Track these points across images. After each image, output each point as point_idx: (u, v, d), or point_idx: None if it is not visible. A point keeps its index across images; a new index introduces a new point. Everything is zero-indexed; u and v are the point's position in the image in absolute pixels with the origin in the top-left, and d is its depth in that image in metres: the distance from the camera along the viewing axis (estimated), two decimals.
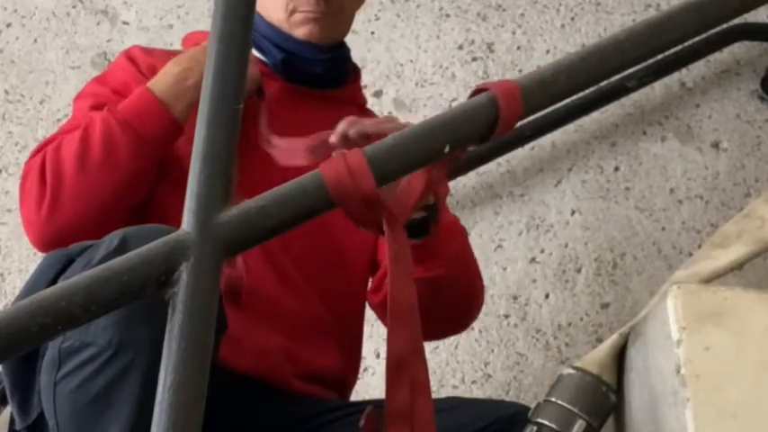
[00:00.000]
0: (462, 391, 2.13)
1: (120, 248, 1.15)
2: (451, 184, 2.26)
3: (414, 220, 1.38)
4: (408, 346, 1.14)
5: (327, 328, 1.55)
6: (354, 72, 1.70)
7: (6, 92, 2.42)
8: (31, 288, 1.26)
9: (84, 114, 1.53)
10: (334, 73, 1.64)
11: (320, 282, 1.54)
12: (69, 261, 1.27)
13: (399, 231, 1.17)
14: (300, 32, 1.56)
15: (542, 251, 2.28)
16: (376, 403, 1.25)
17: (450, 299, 1.54)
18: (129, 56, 1.62)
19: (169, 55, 1.59)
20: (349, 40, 1.71)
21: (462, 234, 1.61)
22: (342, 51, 1.66)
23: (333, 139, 1.34)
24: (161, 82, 1.49)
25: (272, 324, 1.48)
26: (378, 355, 2.08)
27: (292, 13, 1.56)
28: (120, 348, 1.17)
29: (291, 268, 1.52)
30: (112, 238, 1.20)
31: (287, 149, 1.45)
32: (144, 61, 1.59)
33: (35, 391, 1.27)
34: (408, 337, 1.15)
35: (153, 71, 1.54)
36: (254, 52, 1.58)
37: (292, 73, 1.59)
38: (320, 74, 1.61)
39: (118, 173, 1.43)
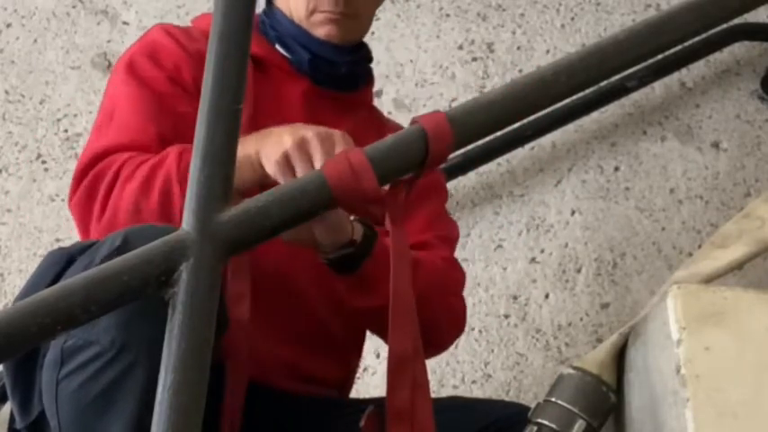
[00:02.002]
0: (462, 391, 2.13)
1: (123, 248, 1.14)
2: (451, 184, 2.27)
3: (341, 255, 1.35)
4: (410, 345, 1.14)
5: (333, 337, 1.54)
6: (368, 74, 1.70)
7: (6, 92, 2.42)
8: (31, 288, 1.25)
9: (138, 111, 1.44)
10: (357, 75, 1.64)
11: (329, 290, 1.53)
12: (70, 260, 1.26)
13: (401, 229, 1.18)
14: (320, 32, 1.56)
15: (542, 251, 2.28)
16: (377, 402, 1.25)
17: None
18: (170, 34, 1.54)
19: (204, 35, 1.54)
20: None
21: (431, 268, 1.50)
22: (365, 53, 1.66)
23: None
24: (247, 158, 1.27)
25: (279, 334, 1.47)
26: (378, 355, 2.08)
27: (312, 12, 1.56)
28: (124, 348, 1.16)
29: (300, 277, 1.51)
30: (115, 238, 1.20)
31: None
32: (190, 46, 1.52)
33: (36, 390, 1.26)
34: (410, 336, 1.15)
35: (201, 57, 1.45)
36: (279, 48, 1.58)
37: (318, 74, 1.59)
38: (344, 76, 1.61)
39: (172, 222, 1.28)
